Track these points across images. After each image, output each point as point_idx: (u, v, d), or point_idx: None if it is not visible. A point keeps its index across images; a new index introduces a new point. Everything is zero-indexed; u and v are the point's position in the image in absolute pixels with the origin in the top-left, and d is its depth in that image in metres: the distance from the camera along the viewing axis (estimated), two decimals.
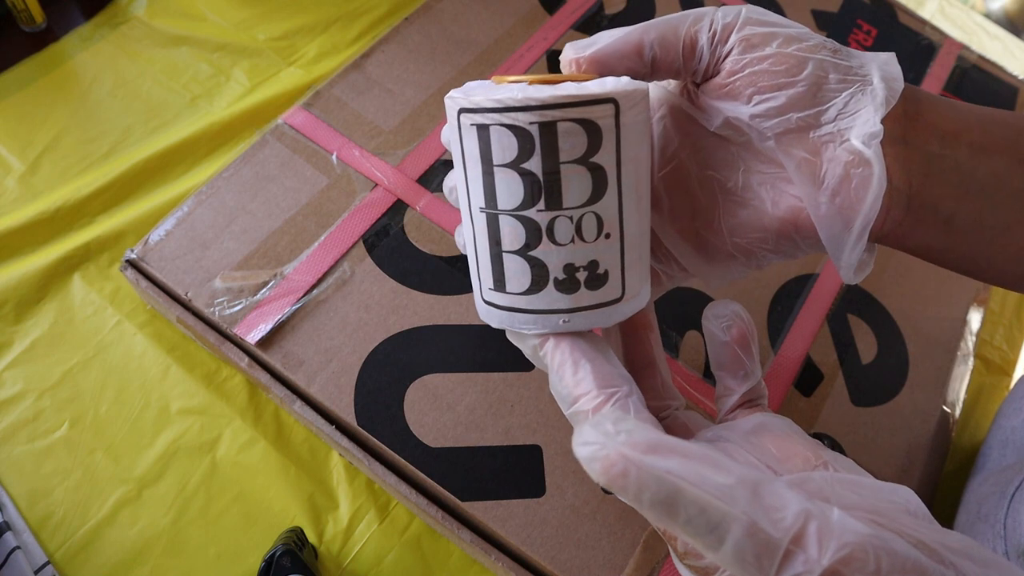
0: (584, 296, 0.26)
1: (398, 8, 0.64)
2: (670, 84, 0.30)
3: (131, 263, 0.46)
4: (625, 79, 0.26)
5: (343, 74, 0.54)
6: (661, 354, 0.30)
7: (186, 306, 0.45)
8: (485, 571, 0.44)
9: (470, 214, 0.27)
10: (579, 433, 0.19)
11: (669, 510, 0.18)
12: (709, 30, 0.26)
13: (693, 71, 0.27)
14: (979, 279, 0.29)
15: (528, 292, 0.26)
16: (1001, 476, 0.44)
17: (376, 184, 0.50)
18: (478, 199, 0.26)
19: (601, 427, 0.19)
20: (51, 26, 0.59)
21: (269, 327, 0.43)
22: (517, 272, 0.26)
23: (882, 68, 0.26)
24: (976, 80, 0.68)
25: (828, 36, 0.66)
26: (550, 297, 0.26)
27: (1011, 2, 1.01)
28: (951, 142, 0.26)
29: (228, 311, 0.44)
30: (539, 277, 0.26)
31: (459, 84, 0.55)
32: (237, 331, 0.43)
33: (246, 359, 0.44)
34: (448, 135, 0.28)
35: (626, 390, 0.25)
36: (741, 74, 0.26)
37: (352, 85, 0.54)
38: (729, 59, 0.26)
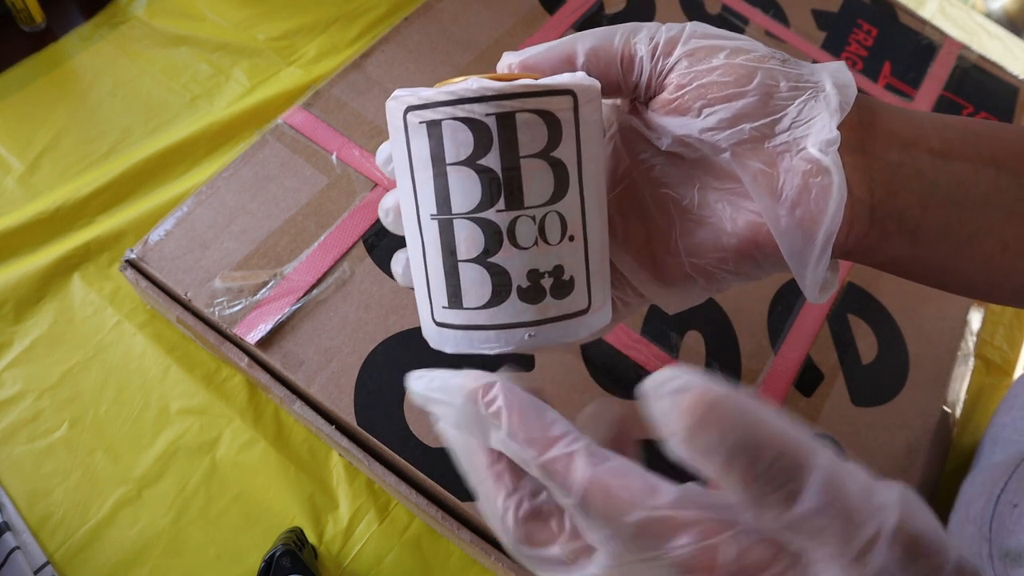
0: (550, 306, 0.24)
1: (398, 8, 0.64)
2: (619, 103, 0.29)
3: (131, 263, 0.46)
4: (580, 74, 0.25)
5: (343, 74, 0.54)
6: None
7: (186, 306, 0.45)
8: (485, 571, 0.44)
9: (419, 226, 0.25)
10: (654, 376, 0.18)
11: (748, 452, 0.16)
12: (650, 43, 0.26)
13: (634, 85, 0.26)
14: (948, 290, 0.28)
15: (489, 305, 0.24)
16: (988, 475, 0.45)
17: (376, 184, 0.50)
18: (428, 205, 0.24)
19: (675, 371, 0.17)
20: (51, 26, 0.58)
21: (269, 327, 0.43)
22: (476, 283, 0.24)
23: (833, 75, 0.25)
24: (976, 80, 0.68)
25: (828, 36, 0.66)
26: (514, 308, 0.24)
27: (1011, 2, 1.01)
28: (911, 149, 0.26)
29: (228, 311, 0.44)
30: (501, 286, 0.24)
31: None
32: (237, 331, 0.43)
33: (246, 359, 0.44)
34: (387, 151, 0.26)
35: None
36: (689, 87, 0.25)
37: (352, 85, 0.54)
38: (675, 73, 0.26)
